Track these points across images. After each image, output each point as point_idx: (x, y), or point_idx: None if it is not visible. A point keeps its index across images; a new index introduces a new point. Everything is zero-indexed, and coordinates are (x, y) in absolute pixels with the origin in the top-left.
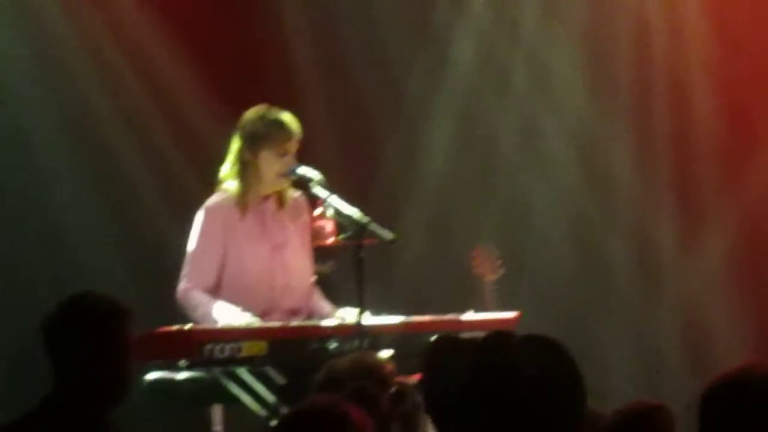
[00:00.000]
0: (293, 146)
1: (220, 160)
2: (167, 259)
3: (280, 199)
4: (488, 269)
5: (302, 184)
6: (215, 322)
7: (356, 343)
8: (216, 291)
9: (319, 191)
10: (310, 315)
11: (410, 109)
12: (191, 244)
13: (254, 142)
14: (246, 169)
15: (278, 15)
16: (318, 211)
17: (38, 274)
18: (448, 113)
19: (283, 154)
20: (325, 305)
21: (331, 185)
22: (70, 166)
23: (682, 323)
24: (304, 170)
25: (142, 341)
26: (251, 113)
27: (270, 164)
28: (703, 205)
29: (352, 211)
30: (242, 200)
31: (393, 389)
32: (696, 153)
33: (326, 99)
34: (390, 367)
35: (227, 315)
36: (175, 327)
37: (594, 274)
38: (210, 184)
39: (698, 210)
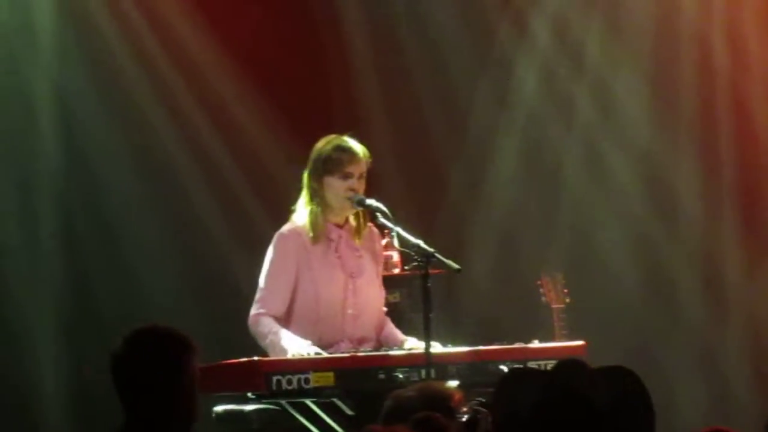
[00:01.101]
0: (356, 169)
1: (288, 192)
2: (235, 292)
3: (356, 229)
4: (555, 297)
5: (370, 215)
6: (284, 351)
7: (424, 372)
8: (287, 318)
9: (386, 222)
10: (381, 344)
11: (475, 138)
12: (264, 270)
13: (318, 167)
14: (314, 197)
15: (344, 47)
16: (384, 242)
17: (108, 306)
18: (512, 142)
19: (346, 177)
20: (398, 333)
21: (397, 216)
22: (139, 200)
23: (750, 348)
24: (371, 201)
25: (211, 373)
26: (319, 143)
27: (334, 189)
28: None
29: (418, 242)
30: (313, 228)
31: (462, 418)
32: (761, 177)
33: (392, 130)
34: (458, 395)
35: (296, 345)
36: (243, 359)
37: (660, 300)
38: (278, 216)
39: (763, 232)
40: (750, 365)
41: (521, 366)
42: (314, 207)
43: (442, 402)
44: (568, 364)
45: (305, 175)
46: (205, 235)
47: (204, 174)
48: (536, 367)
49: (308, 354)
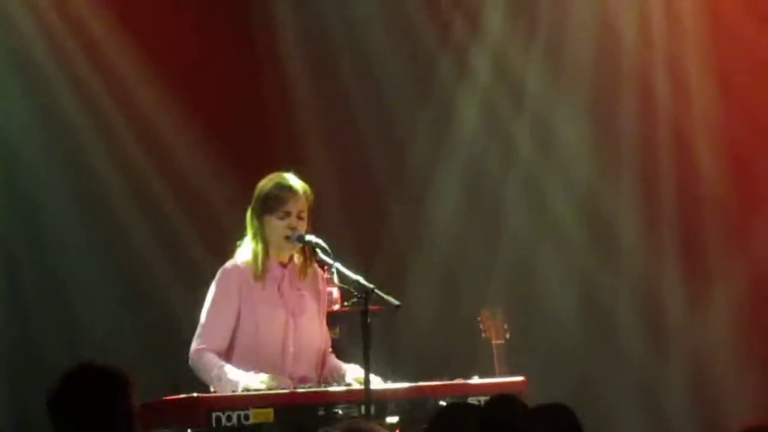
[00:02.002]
0: (295, 207)
1: (230, 230)
2: (176, 328)
3: (300, 267)
4: (495, 333)
5: (309, 251)
6: (234, 383)
7: (363, 408)
8: (228, 354)
9: (325, 258)
10: (323, 382)
11: (415, 174)
12: (206, 305)
13: (258, 206)
14: (257, 235)
15: (285, 84)
16: (320, 273)
17: (49, 343)
18: (452, 178)
19: (285, 216)
20: (340, 365)
21: (337, 251)
22: (80, 238)
23: (691, 383)
24: (310, 237)
25: (150, 409)
26: (262, 180)
27: (273, 227)
28: (710, 263)
29: (357, 278)
30: (256, 265)
31: None
32: (701, 211)
33: (333, 166)
34: None
35: (245, 378)
36: (183, 395)
37: (601, 335)
38: (220, 253)
39: (705, 269)
40: (691, 401)
41: (456, 401)
42: (257, 245)
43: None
44: (502, 399)
45: (249, 213)
46: (146, 271)
47: (145, 211)
48: (475, 402)
49: (261, 381)
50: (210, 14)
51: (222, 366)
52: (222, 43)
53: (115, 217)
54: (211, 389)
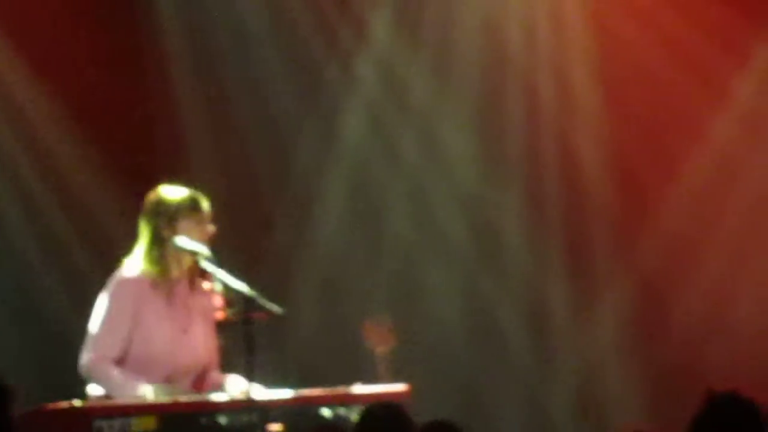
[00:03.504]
0: (207, 215)
1: (115, 241)
2: (61, 338)
3: (191, 282)
4: (380, 340)
5: (194, 259)
6: (133, 390)
7: (246, 417)
8: (120, 363)
9: (207, 266)
10: (210, 390)
11: (300, 180)
12: (99, 315)
13: (171, 213)
14: (158, 245)
15: (171, 93)
16: (206, 286)
17: None
18: (337, 183)
19: (200, 222)
20: (220, 377)
21: (221, 259)
22: None
23: (575, 388)
24: (192, 245)
25: (33, 418)
26: (159, 193)
27: (190, 231)
28: (595, 271)
29: (240, 286)
30: (152, 277)
31: None
32: (587, 220)
33: (217, 173)
34: None
35: (141, 388)
36: (65, 403)
37: (487, 342)
38: (106, 262)
39: (590, 276)
40: (576, 408)
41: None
42: (160, 256)
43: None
44: (382, 406)
45: (147, 225)
46: (30, 278)
47: (29, 219)
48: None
49: (157, 394)
50: (97, 28)
51: (118, 374)
52: (111, 55)
53: (8, 237)
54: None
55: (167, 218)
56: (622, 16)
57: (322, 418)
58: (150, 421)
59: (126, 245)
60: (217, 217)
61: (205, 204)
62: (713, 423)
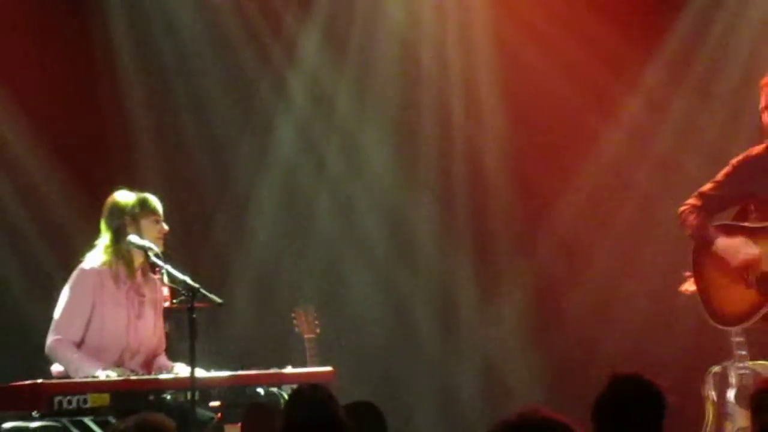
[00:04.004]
0: (161, 217)
1: (73, 240)
2: (26, 327)
3: (143, 274)
4: (307, 328)
5: (144, 255)
6: (88, 373)
7: (189, 394)
8: (80, 344)
9: (157, 260)
10: (157, 371)
11: (238, 185)
12: (62, 302)
13: (131, 213)
14: (119, 242)
15: (120, 101)
16: (156, 278)
17: None
18: (271, 189)
19: (157, 221)
20: (168, 362)
21: (167, 255)
22: None
23: (481, 375)
24: (143, 242)
25: (1, 394)
26: (116, 197)
27: (149, 230)
28: (499, 268)
29: (185, 278)
30: (115, 268)
31: None
32: (491, 224)
33: (164, 178)
34: (171, 425)
35: (96, 368)
36: (28, 381)
37: (402, 331)
38: (66, 256)
39: (494, 273)
40: (482, 393)
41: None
42: (118, 251)
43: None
44: (310, 386)
45: (106, 225)
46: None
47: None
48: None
49: (108, 375)
50: (49, 41)
51: (81, 356)
52: (62, 69)
53: None
54: (58, 374)
55: (125, 218)
56: (524, 42)
57: (257, 396)
58: (104, 398)
59: (81, 240)
60: (164, 217)
61: (158, 205)
62: (616, 401)
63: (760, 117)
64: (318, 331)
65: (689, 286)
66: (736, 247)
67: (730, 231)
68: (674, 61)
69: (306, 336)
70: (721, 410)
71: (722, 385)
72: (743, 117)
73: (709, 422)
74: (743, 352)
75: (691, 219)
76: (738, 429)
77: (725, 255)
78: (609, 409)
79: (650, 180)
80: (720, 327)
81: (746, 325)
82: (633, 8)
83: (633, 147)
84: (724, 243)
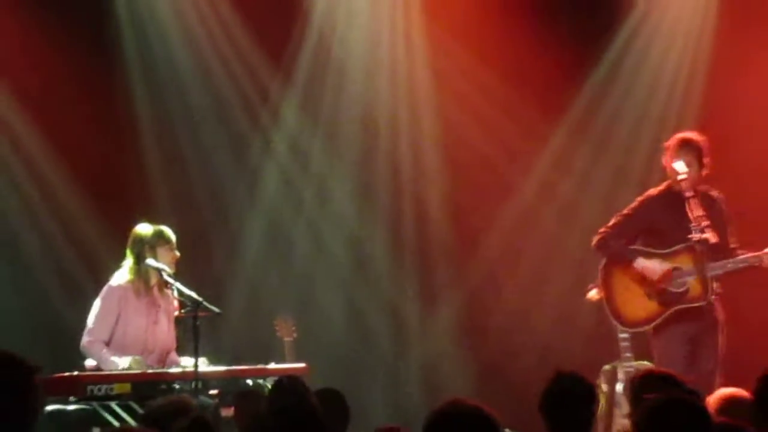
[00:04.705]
0: (174, 246)
1: (103, 262)
2: (62, 327)
3: (159, 290)
4: (286, 332)
5: (160, 275)
6: (115, 365)
7: (193, 384)
8: (108, 344)
9: (168, 279)
10: (168, 365)
11: (233, 219)
12: (95, 310)
13: (151, 242)
14: (140, 264)
15: (140, 148)
16: (168, 293)
17: None
18: (258, 220)
19: (171, 249)
20: (177, 358)
21: (177, 275)
22: None
23: (424, 373)
24: (158, 265)
25: (46, 383)
26: (139, 229)
27: (164, 255)
28: (437, 286)
29: (191, 293)
30: (135, 286)
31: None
32: (432, 249)
33: (174, 211)
34: (194, 403)
35: (121, 361)
36: (66, 373)
37: (361, 335)
38: (96, 278)
39: (433, 290)
40: (423, 387)
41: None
42: (139, 271)
43: (186, 410)
44: (288, 378)
45: (131, 251)
46: (39, 284)
47: (41, 243)
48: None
49: (131, 365)
50: (85, 94)
51: (107, 352)
52: (96, 121)
53: (19, 250)
54: (90, 367)
55: (144, 246)
56: (459, 110)
57: (246, 385)
58: (126, 387)
59: (109, 259)
60: (177, 244)
61: (172, 236)
62: (560, 392)
63: (664, 168)
64: (295, 335)
65: (595, 295)
66: (654, 266)
67: (646, 254)
68: (577, 124)
69: (285, 339)
70: (612, 400)
71: (612, 380)
72: (632, 168)
73: (602, 409)
74: (628, 354)
75: (612, 243)
76: (624, 414)
77: (645, 271)
78: (553, 398)
79: (556, 219)
80: (622, 328)
81: (646, 328)
82: (545, 83)
83: (542, 195)
84: (644, 262)
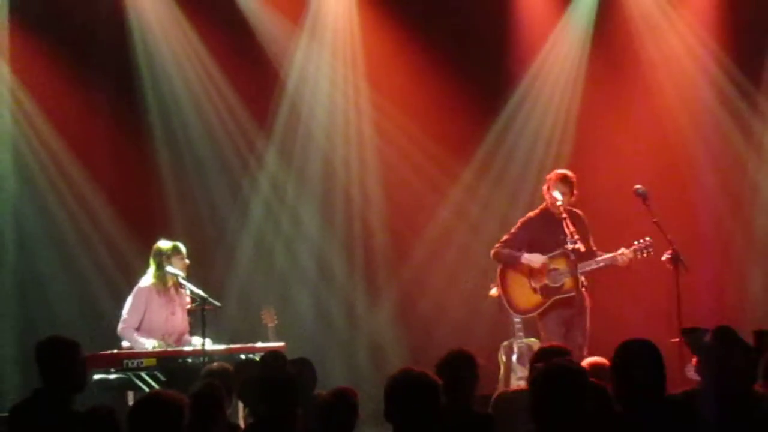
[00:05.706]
0: (185, 256)
1: (133, 266)
2: (105, 313)
3: (176, 289)
4: (270, 320)
5: (175, 277)
6: (144, 345)
7: (201, 359)
8: (138, 330)
9: (182, 281)
10: (183, 345)
11: (228, 236)
12: (128, 305)
13: (167, 253)
14: (160, 269)
15: (160, 181)
16: (183, 291)
17: (21, 322)
18: (248, 239)
19: (183, 258)
20: (190, 338)
21: (188, 278)
22: (51, 262)
23: (371, 351)
24: (174, 270)
25: (92, 358)
26: (163, 245)
27: (178, 263)
28: (379, 285)
29: (199, 291)
30: (158, 287)
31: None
32: (375, 259)
33: (184, 231)
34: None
35: (148, 342)
36: (107, 351)
37: (324, 322)
38: (129, 280)
39: (377, 288)
40: (370, 361)
41: (246, 360)
42: (160, 275)
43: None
44: (273, 353)
45: (153, 260)
46: (89, 285)
47: (91, 253)
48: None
49: (155, 345)
50: (119, 141)
51: (138, 337)
52: (129, 162)
53: (75, 260)
54: (125, 347)
55: (163, 257)
56: (392, 154)
57: (241, 359)
58: (152, 361)
59: (136, 267)
60: (186, 255)
61: (183, 249)
62: (448, 364)
63: (544, 195)
64: (276, 322)
65: (495, 292)
66: (536, 257)
67: (530, 253)
68: (481, 163)
69: (269, 325)
70: (508, 366)
71: (509, 352)
72: (522, 195)
73: (502, 374)
74: (521, 333)
75: (505, 251)
76: (518, 378)
77: (529, 262)
78: (445, 367)
79: (467, 235)
80: (515, 314)
81: (533, 314)
82: (459, 133)
83: (456, 219)
84: (528, 256)
